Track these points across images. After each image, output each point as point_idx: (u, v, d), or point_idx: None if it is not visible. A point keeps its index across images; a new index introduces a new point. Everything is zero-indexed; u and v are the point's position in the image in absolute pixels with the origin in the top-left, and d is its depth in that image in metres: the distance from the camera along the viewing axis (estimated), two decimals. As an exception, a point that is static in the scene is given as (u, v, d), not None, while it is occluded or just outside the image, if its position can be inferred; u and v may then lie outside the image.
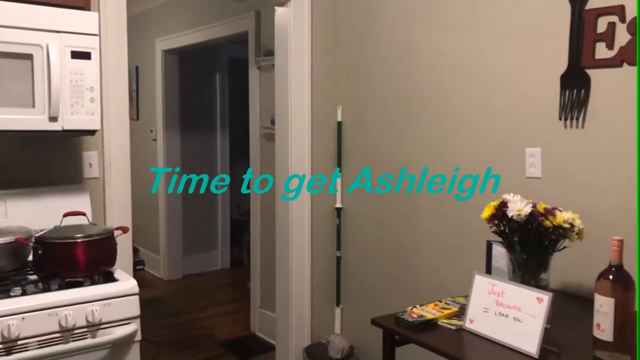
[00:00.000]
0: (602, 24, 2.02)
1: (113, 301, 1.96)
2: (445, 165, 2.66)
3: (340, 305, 3.35)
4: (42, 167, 2.41)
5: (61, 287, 1.94)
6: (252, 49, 4.00)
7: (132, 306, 2.00)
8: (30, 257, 2.06)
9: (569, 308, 1.98)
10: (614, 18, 1.98)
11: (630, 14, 1.94)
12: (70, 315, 1.86)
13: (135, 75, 5.75)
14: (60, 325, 1.85)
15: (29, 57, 2.01)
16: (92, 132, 2.20)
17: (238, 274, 5.72)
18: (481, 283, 1.79)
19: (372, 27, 3.03)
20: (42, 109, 2.04)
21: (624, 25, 1.96)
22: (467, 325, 1.78)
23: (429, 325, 1.83)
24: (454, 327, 1.81)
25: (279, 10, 3.20)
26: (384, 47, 2.96)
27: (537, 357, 1.56)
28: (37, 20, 2.01)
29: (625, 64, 1.96)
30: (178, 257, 5.56)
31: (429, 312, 1.90)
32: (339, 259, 3.33)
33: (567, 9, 2.12)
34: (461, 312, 1.89)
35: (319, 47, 3.22)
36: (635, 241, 1.93)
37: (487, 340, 1.70)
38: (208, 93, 5.78)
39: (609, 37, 2.00)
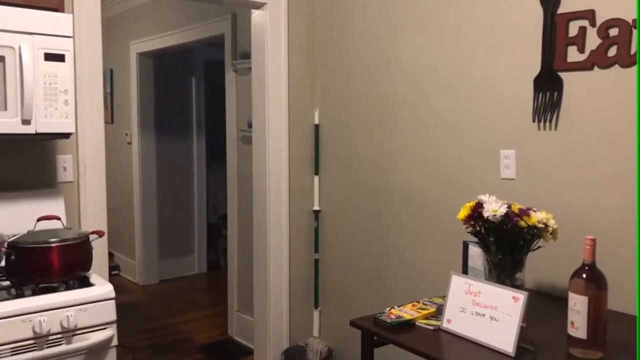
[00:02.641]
0: (573, 28, 2.06)
1: (89, 306, 1.93)
2: (421, 167, 2.68)
3: (319, 308, 3.35)
4: (15, 171, 2.36)
5: (35, 293, 1.91)
6: (228, 52, 3.99)
7: (109, 311, 1.98)
8: (3, 263, 2.02)
9: (544, 307, 2.01)
10: (585, 22, 2.03)
11: (601, 18, 1.98)
12: (44, 321, 1.83)
13: (110, 78, 5.69)
14: (34, 332, 1.82)
15: (0, 59, 1.97)
16: (66, 136, 2.17)
17: (215, 279, 5.68)
18: (458, 283, 1.81)
19: (350, 30, 3.05)
20: (15, 111, 2.01)
21: (595, 30, 2.00)
22: (445, 325, 1.80)
23: (407, 325, 1.84)
24: (431, 327, 1.82)
25: (256, 13, 3.20)
26: (361, 50, 2.98)
27: (513, 355, 1.58)
28: (9, 21, 1.98)
29: (596, 67, 2.01)
30: (154, 262, 5.50)
31: (407, 312, 1.91)
32: (316, 261, 3.33)
33: (539, 13, 2.16)
34: (438, 312, 1.91)
35: (295, 49, 3.22)
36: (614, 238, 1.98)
37: (465, 339, 1.72)
38: (184, 96, 5.73)
39: (580, 41, 2.04)
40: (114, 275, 5.66)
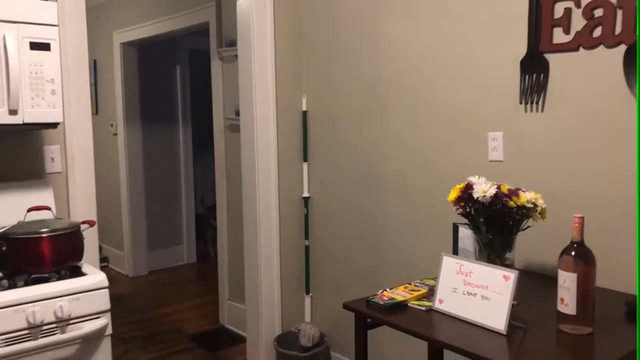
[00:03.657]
0: (559, 10, 2.08)
1: (82, 295, 1.93)
2: (410, 151, 2.70)
3: (310, 294, 3.37)
4: (2, 162, 2.34)
5: (27, 284, 1.91)
6: (213, 40, 3.96)
7: (102, 300, 1.98)
8: (-7, 254, 2.01)
9: (534, 286, 2.04)
10: (570, 4, 2.04)
11: (585, -1, 2.00)
12: (38, 311, 1.83)
13: (94, 69, 5.63)
14: (28, 322, 1.82)
15: (-15, 48, 1.95)
16: (54, 125, 2.16)
17: (204, 268, 5.68)
18: (449, 264, 1.83)
19: (335, 15, 3.04)
20: (1, 102, 1.99)
21: (579, 11, 2.02)
22: (437, 305, 1.82)
23: (400, 307, 1.86)
24: (424, 308, 1.85)
25: (241, 0, 3.18)
26: (347, 35, 2.98)
27: (505, 333, 1.60)
28: (-8, 10, 1.96)
29: (581, 48, 2.03)
30: (143, 253, 5.49)
31: (399, 294, 1.93)
32: (307, 248, 3.35)
33: (525, -5, 2.18)
34: (430, 294, 1.93)
35: (282, 36, 3.21)
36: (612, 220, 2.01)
37: (457, 319, 1.74)
38: (169, 86, 5.69)
39: (565, 22, 2.06)
40: (103, 267, 5.63)
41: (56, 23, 2.10)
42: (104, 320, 1.98)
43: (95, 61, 5.59)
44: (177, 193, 5.79)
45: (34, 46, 2.04)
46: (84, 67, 2.51)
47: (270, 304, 3.28)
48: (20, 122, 2.04)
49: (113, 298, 2.02)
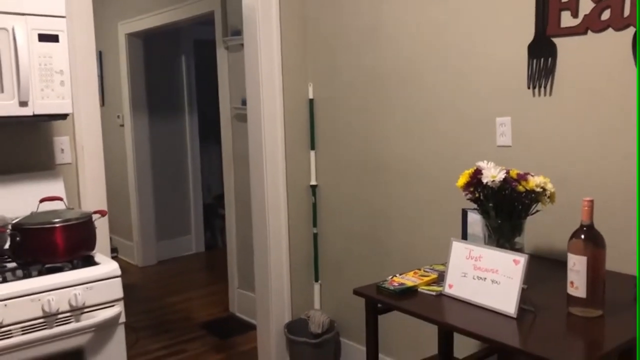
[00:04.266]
0: (566, -7, 2.07)
1: (95, 284, 1.96)
2: (417, 137, 2.70)
3: (319, 281, 3.39)
4: (13, 154, 2.36)
5: (41, 273, 1.93)
6: (218, 29, 3.96)
7: (115, 289, 2.00)
8: (7, 245, 2.03)
9: (543, 270, 2.05)
10: (578, -13, 2.03)
11: (593, -18, 1.99)
12: (53, 300, 1.85)
13: (99, 61, 5.64)
14: (43, 311, 1.84)
15: (-6, 41, 1.96)
16: (63, 117, 2.17)
17: (213, 257, 5.72)
18: (459, 249, 1.84)
19: (341, 2, 3.03)
20: (12, 94, 2.00)
21: (588, -6, 2.01)
22: (447, 290, 1.84)
23: (410, 292, 1.88)
24: (434, 293, 1.86)
25: (246, -11, 3.18)
26: (352, 22, 2.97)
27: (515, 316, 1.62)
28: (1, 3, 1.97)
29: (589, 32, 2.02)
30: (151, 243, 5.53)
31: (409, 279, 1.95)
32: (315, 235, 3.37)
33: (532, -21, 2.17)
34: (440, 279, 1.95)
35: (287, 24, 3.21)
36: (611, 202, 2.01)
37: (467, 303, 1.76)
38: (174, 76, 5.70)
39: (573, 5, 2.05)
40: (113, 257, 5.63)
41: (64, 14, 2.11)
42: (118, 309, 2.00)
43: (100, 52, 5.59)
44: (185, 183, 5.82)
45: (43, 38, 2.05)
46: (91, 58, 2.52)
47: (279, 291, 3.30)
48: (31, 113, 2.05)
49: (123, 288, 2.04)
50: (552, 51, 2.13)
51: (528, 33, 2.20)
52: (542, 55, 2.17)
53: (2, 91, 1.98)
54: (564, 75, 2.12)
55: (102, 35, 5.43)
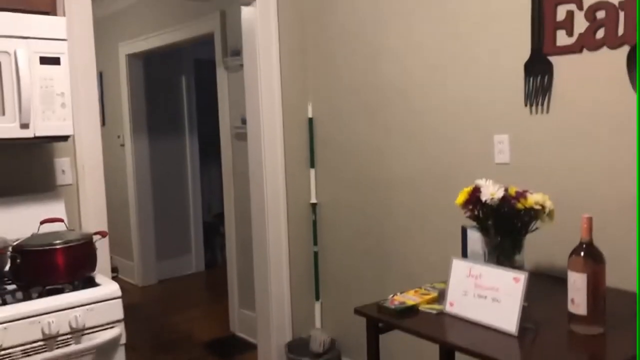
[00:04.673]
0: (561, 12, 2.10)
1: (96, 306, 1.95)
2: (416, 155, 2.71)
3: (320, 300, 3.38)
4: (14, 175, 2.37)
5: (42, 295, 1.93)
6: (218, 49, 4.00)
7: (116, 310, 2.00)
8: (7, 267, 2.03)
9: (544, 287, 2.05)
10: (572, 6, 2.06)
11: (588, 1, 2.01)
12: (53, 322, 1.85)
13: (100, 81, 5.68)
14: (43, 333, 1.84)
15: (-4, 64, 1.98)
16: (64, 138, 2.19)
17: (213, 277, 5.70)
18: (459, 267, 1.84)
19: (339, 21, 3.07)
20: (13, 116, 2.02)
21: (582, 13, 2.03)
22: (448, 308, 1.84)
23: (411, 311, 1.87)
24: (435, 312, 1.86)
25: (245, 10, 3.21)
26: (351, 41, 3.00)
27: (516, 334, 1.61)
28: (3, 26, 1.99)
29: (585, 50, 2.04)
30: (152, 263, 5.51)
31: (410, 298, 1.94)
32: (316, 254, 3.36)
33: (527, -1, 2.20)
34: (441, 297, 1.94)
35: (286, 44, 3.24)
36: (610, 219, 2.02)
37: (468, 322, 1.75)
38: (174, 96, 5.73)
39: (568, 24, 2.08)
40: (113, 277, 5.60)
41: (65, 37, 2.13)
42: (118, 330, 2.00)
43: (101, 73, 5.63)
44: (185, 202, 5.82)
45: (44, 61, 2.07)
46: (92, 79, 2.55)
47: (280, 310, 3.29)
48: (32, 135, 2.07)
49: (124, 308, 2.04)
50: (548, 69, 2.16)
51: (524, 51, 2.23)
52: (538, 73, 2.19)
53: (4, 114, 2.00)
54: (561, 92, 2.14)
55: (102, 56, 5.46)
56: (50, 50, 2.09)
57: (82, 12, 2.50)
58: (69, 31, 2.44)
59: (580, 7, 2.04)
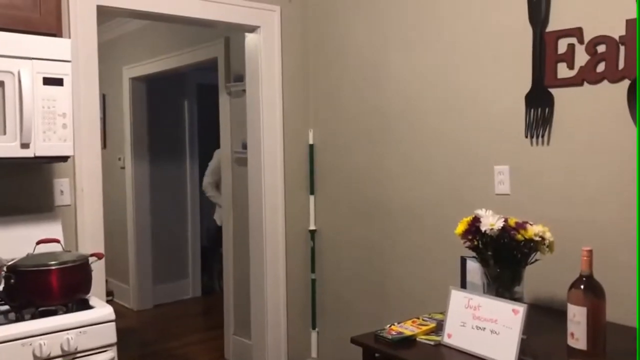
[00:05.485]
0: (562, 46, 2.11)
1: (89, 329, 1.93)
2: (417, 184, 2.71)
3: (316, 329, 3.34)
4: (12, 195, 2.36)
5: (34, 317, 1.91)
6: (221, 75, 4.02)
7: (109, 333, 1.97)
8: (1, 287, 2.01)
9: (544, 320, 2.02)
10: (573, 40, 2.08)
11: (588, 35, 2.03)
12: (44, 344, 1.82)
13: (102, 103, 5.71)
14: (34, 356, 1.81)
15: (0, 84, 1.99)
16: (64, 159, 2.19)
17: (210, 302, 5.64)
18: (458, 298, 1.83)
19: (342, 49, 3.10)
20: (14, 135, 2.02)
21: (583, 47, 2.05)
22: (446, 340, 1.81)
23: (409, 341, 1.85)
24: (432, 343, 1.83)
25: (249, 37, 3.25)
26: (354, 69, 3.03)
27: (515, 368, 1.59)
28: (8, 47, 2.00)
29: (585, 83, 2.05)
30: (148, 287, 5.46)
31: (408, 328, 1.92)
32: (313, 281, 3.33)
33: (529, 31, 2.21)
34: (439, 328, 1.92)
35: (289, 71, 3.26)
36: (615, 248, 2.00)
37: (466, 353, 1.73)
38: (177, 120, 5.76)
39: (569, 57, 2.09)
40: (108, 300, 5.57)
41: (70, 59, 2.14)
42: (111, 354, 1.97)
43: (104, 95, 5.67)
44: (183, 226, 5.80)
45: (48, 81, 2.08)
46: (94, 101, 2.56)
47: (276, 339, 3.25)
48: (32, 155, 2.06)
49: (118, 332, 2.01)
50: (549, 101, 2.16)
51: (525, 83, 2.24)
52: (539, 105, 2.20)
53: (5, 133, 2.00)
54: (561, 124, 2.14)
55: (106, 78, 5.50)
56: (54, 71, 2.10)
57: (88, 34, 2.52)
58: (73, 53, 2.45)
59: (581, 41, 2.06)
